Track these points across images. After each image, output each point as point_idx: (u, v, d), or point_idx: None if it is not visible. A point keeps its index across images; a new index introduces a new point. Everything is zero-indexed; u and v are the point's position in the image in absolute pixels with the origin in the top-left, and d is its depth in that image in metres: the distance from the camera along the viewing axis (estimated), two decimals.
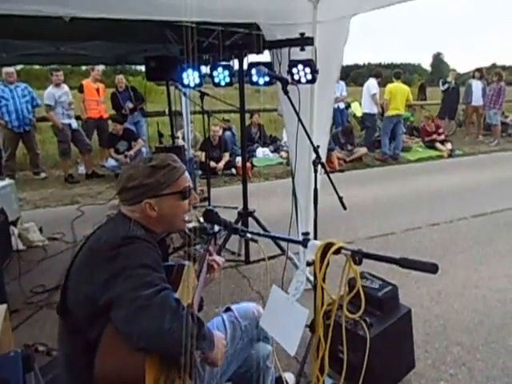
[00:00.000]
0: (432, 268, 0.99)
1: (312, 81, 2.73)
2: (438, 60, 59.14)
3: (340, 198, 2.53)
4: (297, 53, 2.77)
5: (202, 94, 3.92)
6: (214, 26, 3.15)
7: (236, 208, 4.31)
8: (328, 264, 1.09)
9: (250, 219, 3.25)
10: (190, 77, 3.11)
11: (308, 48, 2.77)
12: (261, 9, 2.82)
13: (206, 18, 2.63)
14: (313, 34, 2.88)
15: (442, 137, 9.01)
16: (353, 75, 38.49)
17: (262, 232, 1.46)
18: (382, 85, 8.60)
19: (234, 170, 6.91)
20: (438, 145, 8.74)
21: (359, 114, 9.40)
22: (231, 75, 2.96)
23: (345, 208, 2.54)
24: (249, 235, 1.47)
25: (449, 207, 5.06)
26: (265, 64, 2.81)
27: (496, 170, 7.15)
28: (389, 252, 3.77)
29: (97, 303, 1.09)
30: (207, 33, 3.30)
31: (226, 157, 7.02)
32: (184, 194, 1.35)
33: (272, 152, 8.18)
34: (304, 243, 1.14)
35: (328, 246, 1.07)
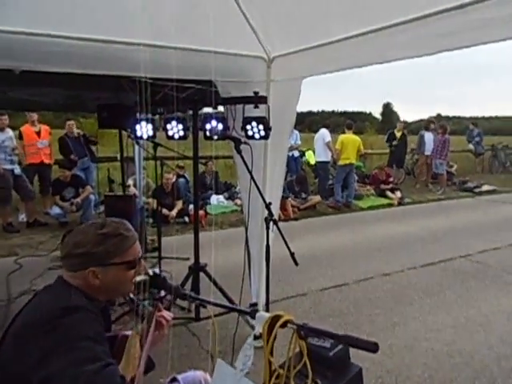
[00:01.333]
0: (373, 347, 1.04)
1: (265, 137, 2.88)
2: (387, 109, 63.77)
3: (291, 254, 2.60)
4: (251, 109, 2.92)
5: (156, 145, 3.97)
6: (169, 81, 3.26)
7: (187, 259, 4.28)
8: (275, 337, 1.12)
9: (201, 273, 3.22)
10: (144, 129, 3.16)
11: (263, 106, 2.94)
12: (216, 66, 2.98)
13: (161, 75, 2.73)
14: (266, 91, 3.07)
15: (392, 185, 9.57)
16: (307, 122, 40.36)
17: (211, 300, 1.46)
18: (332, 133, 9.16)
19: (186, 218, 6.87)
20: (389, 193, 9.26)
21: (313, 162, 9.82)
22: (185, 129, 3.04)
23: (296, 264, 2.60)
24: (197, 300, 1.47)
25: (399, 256, 5.30)
26: (217, 118, 2.94)
27: (442, 218, 7.64)
28: (343, 304, 3.87)
29: None
30: (162, 85, 3.41)
31: (179, 204, 6.98)
32: (132, 264, 1.32)
33: (226, 199, 8.26)
34: (252, 314, 1.17)
35: (275, 318, 1.11)
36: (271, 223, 2.43)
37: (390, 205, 8.85)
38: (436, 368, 2.87)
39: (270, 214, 2.42)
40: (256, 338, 1.16)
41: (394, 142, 10.81)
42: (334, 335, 1.10)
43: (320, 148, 8.88)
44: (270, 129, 2.87)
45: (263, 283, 2.86)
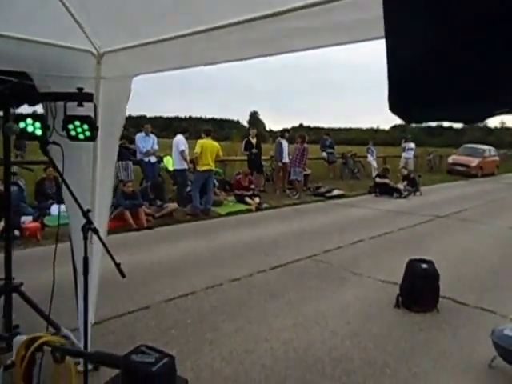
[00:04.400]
0: (122, 362, 1.02)
1: (91, 138, 2.70)
2: (254, 118, 67.37)
3: (117, 266, 2.48)
4: (75, 107, 2.72)
5: None
6: None
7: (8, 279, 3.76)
8: (33, 361, 1.02)
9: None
10: None
11: (89, 104, 2.75)
12: (33, 57, 2.71)
13: None
14: (96, 89, 2.90)
15: (252, 191, 10.08)
16: (173, 127, 40.09)
17: None
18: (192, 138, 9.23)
19: (17, 232, 6.09)
20: (248, 199, 9.72)
21: (172, 168, 9.73)
22: None
23: (123, 276, 2.49)
24: None
25: (251, 260, 5.58)
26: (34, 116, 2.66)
27: (295, 222, 8.33)
28: (187, 314, 3.84)
29: None
30: None
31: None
32: None
33: None
34: (8, 340, 1.05)
35: (33, 340, 1.01)
36: (90, 232, 2.27)
37: (249, 210, 9.30)
38: (272, 367, 3.07)
39: (88, 222, 2.27)
40: (7, 367, 1.04)
41: (254, 150, 11.43)
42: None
43: (175, 156, 8.86)
44: (96, 129, 2.71)
45: (90, 300, 2.67)
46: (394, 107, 0.86)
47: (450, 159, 21.33)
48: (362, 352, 3.39)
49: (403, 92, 0.82)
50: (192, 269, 5.18)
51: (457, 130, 76.02)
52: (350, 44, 1.96)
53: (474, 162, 20.10)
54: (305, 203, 10.82)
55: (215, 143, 8.96)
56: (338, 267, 5.50)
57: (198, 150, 8.55)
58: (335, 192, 12.10)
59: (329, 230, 7.66)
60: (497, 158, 23.08)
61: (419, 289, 4.27)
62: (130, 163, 9.10)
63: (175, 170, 9.11)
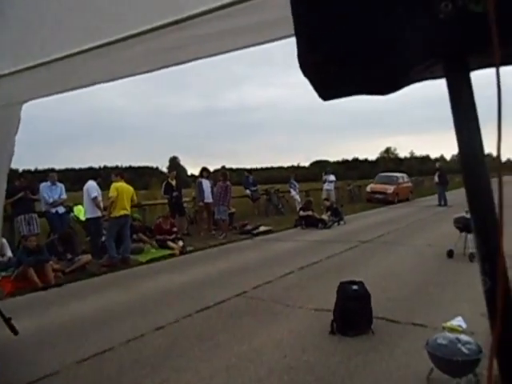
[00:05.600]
0: None
1: None
2: (174, 163, 66.87)
3: (6, 321, 2.11)
4: None
5: None
6: None
7: None
8: None
9: None
10: None
11: None
12: None
13: None
14: None
15: (174, 235, 9.70)
16: (87, 177, 38.45)
17: None
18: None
19: None
20: (170, 243, 9.32)
21: (83, 218, 9.10)
22: None
23: (15, 333, 2.12)
24: None
25: (176, 306, 5.23)
26: None
27: (222, 262, 8.10)
28: (104, 373, 3.41)
29: None
30: None
31: None
32: None
33: None
34: None
35: None
36: None
37: (173, 255, 8.91)
38: None
39: None
40: None
41: (175, 193, 11.16)
42: None
43: (87, 203, 8.33)
44: None
45: None
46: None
47: (368, 188, 22.72)
48: None
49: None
50: (109, 322, 4.70)
51: (371, 161, 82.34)
52: (254, 46, 1.94)
53: (390, 189, 21.58)
54: (232, 242, 10.66)
55: (129, 187, 8.57)
56: (268, 302, 5.34)
57: (113, 193, 8.05)
58: (262, 228, 12.12)
59: (257, 266, 7.53)
60: (410, 184, 25.07)
61: (352, 311, 4.24)
62: (35, 216, 8.33)
63: (88, 219, 8.51)
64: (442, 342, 3.19)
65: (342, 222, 13.47)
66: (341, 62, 0.87)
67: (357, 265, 7.30)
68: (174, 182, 11.30)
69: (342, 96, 1.00)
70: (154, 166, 68.15)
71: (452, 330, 3.51)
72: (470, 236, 7.30)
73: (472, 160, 0.81)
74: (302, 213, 13.26)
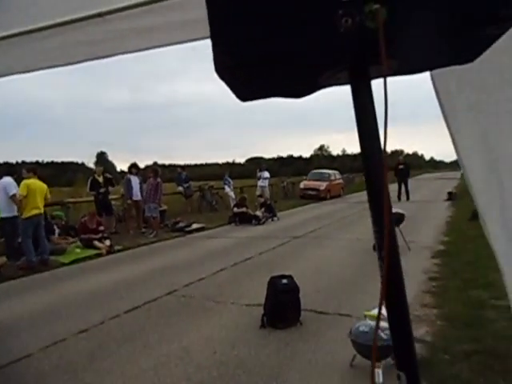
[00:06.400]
0: None
1: None
2: (102, 159, 64.11)
3: None
4: None
5: None
6: None
7: None
8: None
9: None
10: None
11: None
12: None
13: None
14: None
15: (101, 234, 9.37)
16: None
17: None
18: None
19: None
20: (96, 243, 9.00)
21: None
22: None
23: None
24: None
25: (102, 307, 5.09)
26: None
27: (153, 261, 7.98)
28: (20, 381, 3.26)
29: None
30: None
31: None
32: None
33: None
34: None
35: None
36: None
37: (99, 255, 8.61)
38: None
39: None
40: None
41: (102, 190, 10.77)
42: None
43: (3, 202, 7.77)
44: None
45: None
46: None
47: (302, 185, 23.43)
48: (231, 380, 3.30)
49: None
50: (27, 329, 4.46)
51: (305, 159, 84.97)
52: (178, 44, 1.97)
53: (323, 185, 22.43)
54: (163, 240, 10.51)
55: (43, 183, 7.99)
56: (200, 299, 5.37)
57: (23, 191, 7.45)
58: (194, 226, 12.07)
59: (189, 264, 7.52)
60: (341, 181, 26.21)
61: (282, 304, 4.42)
62: None
63: (2, 219, 7.94)
64: (364, 330, 3.44)
65: (275, 218, 13.80)
66: (253, 66, 0.94)
67: (289, 260, 7.55)
68: (100, 179, 10.89)
69: (259, 98, 1.08)
70: (80, 161, 64.88)
71: (373, 317, 3.80)
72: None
73: (371, 159, 0.93)
74: (235, 209, 13.40)
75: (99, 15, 1.93)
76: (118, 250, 9.14)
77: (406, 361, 0.98)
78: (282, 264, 7.04)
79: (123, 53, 2.10)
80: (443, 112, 1.52)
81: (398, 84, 1.49)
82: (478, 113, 1.48)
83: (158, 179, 11.48)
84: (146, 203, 11.27)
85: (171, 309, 5.01)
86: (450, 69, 1.16)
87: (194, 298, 5.42)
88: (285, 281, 4.54)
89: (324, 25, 0.83)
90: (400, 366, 0.97)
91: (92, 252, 8.67)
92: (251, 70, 0.94)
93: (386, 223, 0.91)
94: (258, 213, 13.43)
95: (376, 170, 0.94)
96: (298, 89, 1.10)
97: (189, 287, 5.93)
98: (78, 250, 8.77)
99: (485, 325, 4.10)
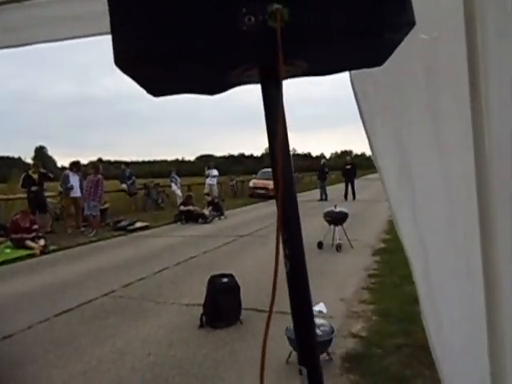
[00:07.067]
0: None
1: None
2: (40, 154, 61.15)
3: None
4: None
5: None
6: None
7: None
8: None
9: None
10: None
11: None
12: None
13: None
14: None
15: (35, 234, 8.95)
16: None
17: None
18: None
19: None
20: (29, 242, 8.59)
21: None
22: None
23: None
24: None
25: (30, 311, 4.88)
26: None
27: (91, 261, 7.74)
28: None
29: None
30: None
31: None
32: None
33: None
34: None
35: None
36: None
37: (32, 255, 8.23)
38: None
39: None
40: None
41: (34, 188, 10.29)
42: None
43: None
44: None
45: None
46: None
47: (251, 183, 23.58)
48: (165, 382, 3.28)
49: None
50: None
51: (256, 157, 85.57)
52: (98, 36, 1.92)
53: (272, 184, 22.62)
54: (103, 239, 10.23)
55: None
56: (139, 300, 5.28)
57: None
58: (138, 224, 11.82)
59: (130, 264, 7.37)
60: None
61: (221, 304, 4.44)
62: None
63: None
64: None
65: (222, 217, 13.80)
66: (156, 62, 0.93)
67: (233, 258, 7.59)
68: (35, 176, 10.39)
69: (170, 94, 1.08)
70: (16, 156, 61.57)
71: None
72: (338, 228, 8.13)
73: (280, 159, 0.96)
74: (182, 207, 13.27)
75: (17, 0, 1.86)
76: (54, 250, 8.78)
77: (307, 356, 1.01)
78: (226, 263, 7.07)
79: (44, 41, 2.03)
80: (361, 113, 1.59)
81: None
82: (393, 115, 1.57)
83: (99, 176, 11.14)
84: (85, 201, 10.90)
85: (107, 310, 4.89)
86: (368, 71, 1.23)
87: (133, 299, 5.32)
88: (225, 279, 4.57)
89: (227, 23, 0.84)
90: (302, 361, 1.00)
91: (24, 252, 8.26)
92: (155, 65, 0.94)
93: (296, 226, 0.96)
94: (205, 211, 13.37)
95: (284, 170, 0.98)
96: (210, 86, 1.12)
97: (128, 288, 5.81)
98: (7, 251, 8.34)
99: (416, 319, 4.33)
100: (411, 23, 0.90)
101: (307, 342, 1.05)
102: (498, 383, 1.30)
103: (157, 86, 1.05)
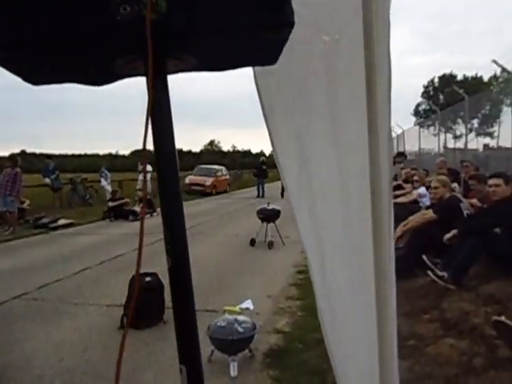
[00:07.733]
0: None
1: None
2: None
3: None
4: None
5: None
6: None
7: None
8: None
9: None
10: None
11: None
12: None
13: None
14: None
15: None
16: None
17: None
18: None
19: None
20: None
21: None
22: None
23: None
24: None
25: None
26: None
27: (6, 260, 7.30)
28: None
29: None
30: None
31: None
32: None
33: None
34: None
35: None
36: None
37: None
38: None
39: None
40: None
41: None
42: None
43: None
44: None
45: None
46: None
47: (187, 180, 23.35)
48: None
49: None
50: None
51: (195, 153, 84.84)
52: None
53: (209, 181, 22.68)
54: (21, 238, 9.68)
55: None
56: (54, 302, 5.05)
57: None
58: (62, 221, 11.29)
59: (49, 263, 7.02)
60: (228, 177, 26.75)
61: (144, 303, 4.35)
62: None
63: None
64: (222, 324, 3.56)
65: (155, 214, 13.51)
66: (27, 50, 0.89)
67: (163, 257, 7.44)
68: None
69: (49, 83, 1.04)
70: None
71: (231, 312, 3.95)
72: (271, 225, 8.28)
73: (164, 154, 0.95)
74: (111, 204, 12.85)
75: None
76: None
77: (187, 354, 1.02)
78: (155, 261, 6.80)
79: None
80: (263, 110, 1.62)
81: None
82: (294, 114, 1.61)
83: (17, 169, 10.48)
84: (1, 196, 10.23)
85: (17, 314, 4.62)
86: (271, 69, 1.25)
87: (48, 301, 5.07)
88: (148, 278, 4.48)
89: (99, 11, 0.82)
90: (182, 359, 1.00)
91: None
92: (26, 54, 0.90)
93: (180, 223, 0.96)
94: (136, 208, 13.04)
95: (168, 167, 0.97)
96: (93, 76, 1.09)
97: (43, 289, 5.54)
98: None
99: None
100: (290, 24, 0.91)
101: (188, 340, 1.05)
102: (385, 366, 1.40)
103: (33, 74, 1.01)
